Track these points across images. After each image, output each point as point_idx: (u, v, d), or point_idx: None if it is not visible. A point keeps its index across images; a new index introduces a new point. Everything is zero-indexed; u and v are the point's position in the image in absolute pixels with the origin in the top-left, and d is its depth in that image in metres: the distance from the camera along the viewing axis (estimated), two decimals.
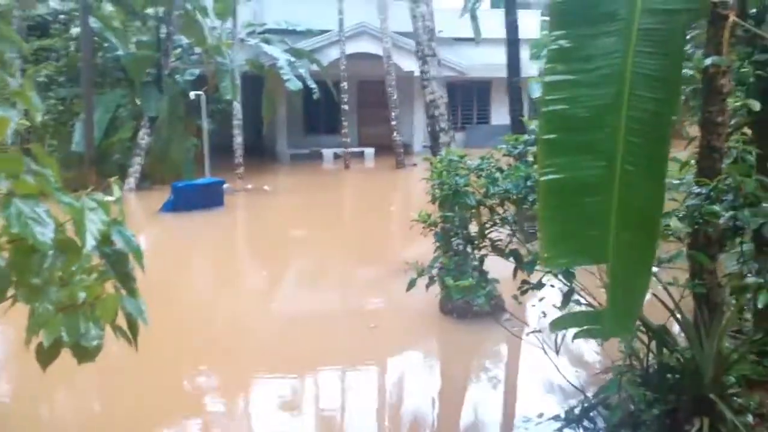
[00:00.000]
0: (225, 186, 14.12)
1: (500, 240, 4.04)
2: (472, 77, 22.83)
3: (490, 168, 4.10)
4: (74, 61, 16.33)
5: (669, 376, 3.68)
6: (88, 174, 13.86)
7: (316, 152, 21.58)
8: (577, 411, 4.09)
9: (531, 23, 21.41)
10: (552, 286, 3.73)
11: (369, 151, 21.96)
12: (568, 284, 3.59)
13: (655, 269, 3.13)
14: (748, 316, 4.41)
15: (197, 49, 18.45)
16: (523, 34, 12.92)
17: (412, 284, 3.99)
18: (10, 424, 4.59)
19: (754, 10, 4.02)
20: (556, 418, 4.22)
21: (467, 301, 5.72)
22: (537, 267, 3.62)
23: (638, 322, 3.41)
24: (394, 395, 5.17)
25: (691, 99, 4.60)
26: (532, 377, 5.17)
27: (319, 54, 20.11)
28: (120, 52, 17.14)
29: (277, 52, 18.60)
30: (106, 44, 17.25)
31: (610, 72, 2.04)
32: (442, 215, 4.16)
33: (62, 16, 17.39)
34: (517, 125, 11.42)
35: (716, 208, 3.43)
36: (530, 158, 4.19)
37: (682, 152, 4.77)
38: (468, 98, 24.64)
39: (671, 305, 3.70)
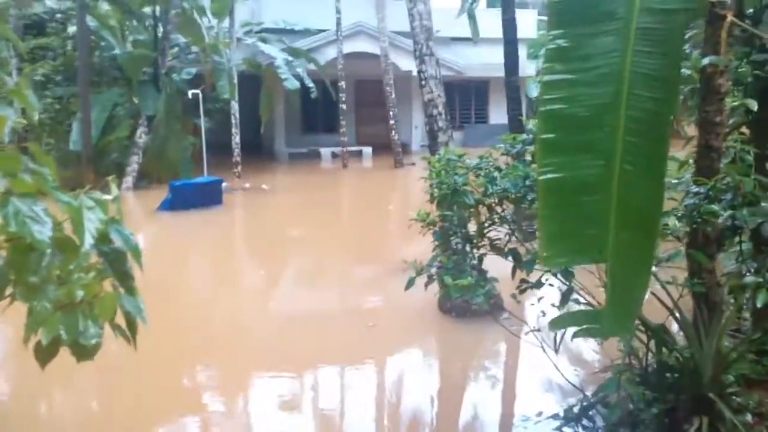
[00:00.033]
0: (223, 185, 14.11)
1: (499, 239, 4.04)
2: (470, 77, 22.85)
3: (488, 167, 4.10)
4: (71, 60, 16.31)
5: (668, 375, 3.68)
6: (86, 173, 13.85)
7: (314, 151, 21.58)
8: (576, 410, 4.09)
9: (528, 22, 21.44)
10: (551, 285, 3.73)
11: (367, 150, 21.97)
12: (567, 283, 3.60)
13: (653, 268, 3.13)
14: (747, 315, 4.42)
15: (194, 48, 18.46)
16: (520, 33, 12.94)
17: (410, 283, 3.99)
18: (9, 423, 4.58)
19: (752, 10, 4.02)
20: (555, 416, 4.22)
21: (466, 300, 5.73)
22: (536, 266, 3.62)
23: (637, 321, 3.41)
24: (392, 394, 5.17)
25: (689, 99, 4.60)
26: (531, 376, 5.17)
27: (316, 53, 20.10)
28: (117, 51, 17.14)
29: (274, 51, 18.60)
30: (103, 43, 17.25)
31: (608, 71, 2.04)
32: (441, 214, 4.16)
33: (59, 15, 17.38)
34: (515, 124, 11.42)
35: (715, 207, 3.43)
36: (528, 157, 4.20)
37: (680, 152, 4.78)
38: (466, 98, 24.65)
39: (670, 304, 3.71)
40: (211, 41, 17.69)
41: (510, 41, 12.64)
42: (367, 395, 5.11)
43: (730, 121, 4.26)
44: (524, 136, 4.31)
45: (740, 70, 4.08)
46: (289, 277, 9.19)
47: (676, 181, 4.09)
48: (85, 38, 14.94)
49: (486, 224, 4.05)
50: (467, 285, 3.83)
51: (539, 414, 4.32)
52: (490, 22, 19.12)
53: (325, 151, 21.41)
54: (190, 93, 15.69)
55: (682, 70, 3.57)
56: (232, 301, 7.62)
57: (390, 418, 4.80)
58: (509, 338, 5.40)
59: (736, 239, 4.02)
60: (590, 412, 4.06)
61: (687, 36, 3.93)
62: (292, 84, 18.06)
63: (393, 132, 19.65)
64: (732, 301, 3.98)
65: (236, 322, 6.68)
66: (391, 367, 5.71)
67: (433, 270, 4.06)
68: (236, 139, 17.00)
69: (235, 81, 16.86)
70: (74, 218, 1.76)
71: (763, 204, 3.60)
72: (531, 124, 4.27)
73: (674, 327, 4.26)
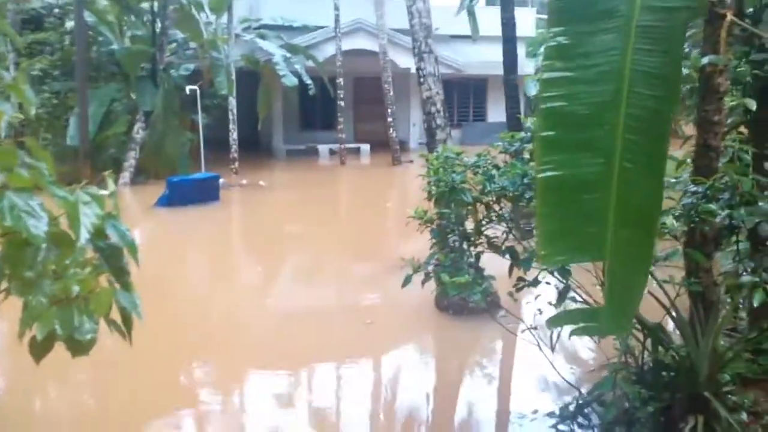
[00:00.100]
0: (220, 181, 14.09)
1: (496, 237, 4.04)
2: (468, 74, 22.84)
3: (486, 165, 4.09)
4: (69, 55, 16.26)
5: (664, 373, 3.69)
6: (83, 168, 13.81)
7: (312, 148, 21.55)
8: (571, 408, 4.10)
9: (527, 21, 21.44)
10: (548, 283, 3.73)
11: (365, 147, 21.95)
12: (564, 281, 3.60)
13: (651, 267, 3.13)
14: (743, 314, 4.43)
15: (192, 44, 18.40)
16: (519, 31, 12.92)
17: (408, 280, 3.99)
18: (4, 418, 4.56)
19: (751, 9, 4.02)
20: (550, 414, 4.23)
21: (463, 297, 5.73)
22: (533, 264, 3.62)
23: (634, 320, 3.41)
24: (389, 391, 5.17)
25: (687, 98, 4.61)
26: (528, 374, 5.18)
27: (314, 50, 20.06)
28: (115, 47, 17.08)
29: (272, 47, 18.56)
30: (100, 38, 17.19)
31: (608, 69, 2.03)
32: (439, 212, 4.16)
33: (57, 10, 17.32)
34: (514, 122, 11.41)
35: (712, 206, 3.43)
36: (527, 155, 4.19)
37: (678, 151, 4.78)
38: (464, 95, 24.64)
39: (667, 303, 3.71)
40: (210, 37, 17.63)
41: (509, 39, 12.63)
42: (364, 392, 5.11)
43: (729, 121, 4.27)
44: (522, 134, 4.31)
45: (739, 69, 4.08)
46: (287, 273, 9.18)
47: (674, 180, 4.09)
48: (82, 33, 14.89)
49: (483, 222, 4.05)
50: (464, 283, 3.83)
51: (535, 412, 4.32)
52: (489, 20, 19.11)
53: (323, 148, 21.38)
54: (187, 89, 15.65)
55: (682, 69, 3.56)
56: (229, 297, 7.61)
57: (387, 415, 4.80)
58: (506, 336, 5.40)
59: (734, 238, 4.02)
60: (586, 410, 4.07)
61: (686, 35, 3.93)
62: (291, 81, 18.03)
63: (391, 129, 19.64)
64: (728, 300, 3.98)
65: (233, 319, 6.67)
66: (388, 364, 5.71)
67: (431, 267, 4.06)
68: (234, 135, 16.97)
69: (233, 77, 16.83)
70: (70, 213, 1.75)
71: (760, 203, 3.61)
72: (529, 122, 4.27)
73: (671, 326, 4.26)
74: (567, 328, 2.77)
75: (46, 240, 1.67)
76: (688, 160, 4.18)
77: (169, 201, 12.62)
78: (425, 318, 6.44)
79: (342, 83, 19.54)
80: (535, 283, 3.69)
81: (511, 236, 4.09)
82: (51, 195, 1.76)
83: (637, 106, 1.95)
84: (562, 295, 3.63)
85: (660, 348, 3.73)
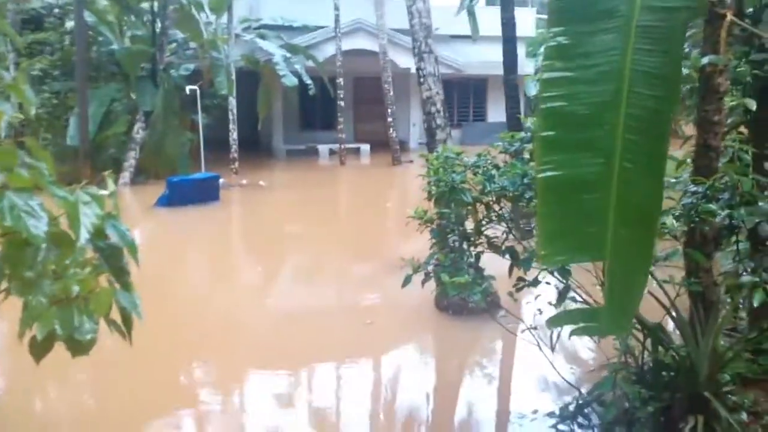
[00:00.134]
0: (220, 181, 14.09)
1: (496, 237, 4.04)
2: (468, 74, 22.84)
3: (486, 165, 4.09)
4: (69, 55, 16.26)
5: (664, 373, 3.69)
6: (83, 168, 13.80)
7: (312, 148, 21.55)
8: (571, 408, 4.10)
9: (527, 21, 21.44)
10: (548, 283, 3.73)
11: (365, 147, 21.95)
12: (564, 281, 3.60)
13: (651, 267, 3.13)
14: (743, 314, 4.43)
15: (192, 44, 18.40)
16: (519, 31, 12.92)
17: (407, 280, 3.99)
18: (3, 417, 4.56)
19: (751, 9, 4.02)
20: (550, 414, 4.23)
21: (463, 297, 5.73)
22: (533, 264, 3.62)
23: (634, 320, 3.41)
24: (389, 391, 5.17)
25: (687, 98, 4.61)
26: (527, 374, 5.18)
27: (314, 50, 20.06)
28: (115, 47, 17.08)
29: (272, 47, 18.56)
30: (100, 38, 17.19)
31: (608, 69, 2.03)
32: (438, 212, 4.16)
33: (57, 10, 17.32)
34: (514, 122, 11.40)
35: (712, 206, 3.43)
36: (527, 155, 4.19)
37: (678, 151, 4.78)
38: (464, 95, 24.64)
39: (667, 303, 3.71)
40: (210, 37, 17.63)
41: (509, 39, 12.62)
42: (363, 392, 5.11)
43: (729, 121, 4.27)
44: (522, 134, 4.31)
45: (739, 69, 4.08)
46: (287, 273, 9.18)
47: (674, 180, 4.09)
48: (82, 33, 14.89)
49: (483, 222, 4.05)
50: (464, 283, 3.83)
51: (535, 412, 4.32)
52: (489, 20, 19.11)
53: (323, 148, 21.38)
54: (187, 89, 15.65)
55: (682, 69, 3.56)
56: (228, 297, 7.61)
57: (386, 415, 4.80)
58: (506, 336, 5.40)
59: (734, 238, 4.02)
60: (586, 410, 4.07)
61: (686, 35, 3.93)
62: (291, 81, 18.03)
63: (391, 129, 19.64)
64: (728, 300, 3.98)
65: (233, 319, 6.67)
66: (388, 364, 5.71)
67: (431, 267, 4.06)
68: (234, 135, 16.97)
69: (233, 77, 16.83)
70: (70, 213, 1.75)
71: (760, 203, 3.61)
72: (529, 122, 4.27)
73: (671, 326, 4.26)
74: (567, 328, 2.77)
75: (46, 240, 1.67)
76: (688, 160, 4.18)
77: (169, 201, 12.63)
78: (425, 318, 6.44)
79: (342, 83, 19.54)
80: (535, 283, 3.69)
81: (511, 236, 4.09)
82: (51, 195, 1.76)
83: (637, 106, 1.95)
84: (562, 295, 3.63)
85: (660, 348, 3.73)
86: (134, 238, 1.95)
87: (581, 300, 3.82)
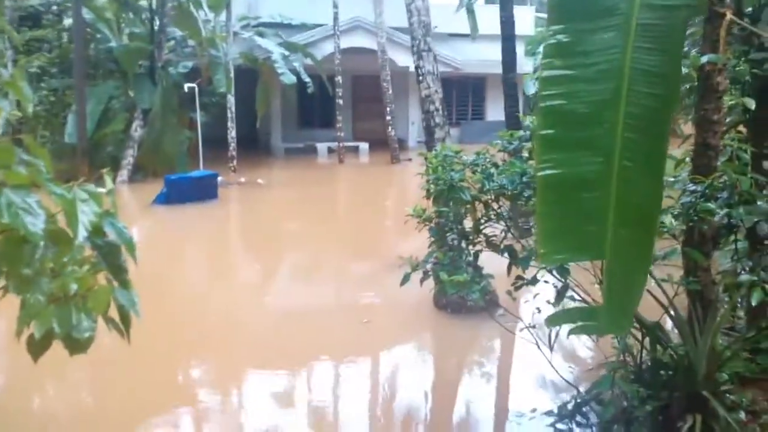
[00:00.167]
0: (219, 179, 14.07)
1: (495, 235, 4.04)
2: (467, 73, 22.81)
3: (485, 163, 4.09)
4: (67, 53, 16.22)
5: (662, 372, 3.69)
6: (81, 165, 13.77)
7: (311, 146, 21.53)
8: (569, 406, 4.10)
9: (526, 19, 21.42)
10: (546, 282, 3.73)
11: (363, 145, 21.94)
12: (563, 280, 3.59)
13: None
14: (741, 313, 4.43)
15: (191, 42, 18.37)
16: (518, 30, 12.90)
17: (406, 279, 3.99)
18: (2, 417, 4.55)
19: (750, 9, 4.02)
20: (548, 413, 4.23)
21: (462, 296, 5.73)
22: (531, 263, 3.62)
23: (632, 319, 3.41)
24: (387, 390, 5.17)
25: (686, 97, 4.61)
26: (526, 372, 5.18)
27: (313, 48, 20.04)
28: (113, 44, 17.05)
29: (271, 45, 18.53)
30: (99, 35, 17.16)
31: (608, 67, 2.03)
32: (437, 210, 4.16)
33: (55, 7, 17.27)
34: (512, 121, 11.39)
35: (711, 205, 3.43)
36: (525, 154, 4.19)
37: (677, 150, 4.78)
38: (463, 94, 24.63)
39: (665, 302, 3.71)
40: (208, 35, 17.62)
41: (508, 38, 12.60)
42: (362, 391, 5.11)
43: (728, 120, 4.27)
44: (521, 132, 4.31)
45: (738, 68, 4.08)
46: (285, 272, 9.17)
47: (672, 179, 4.09)
48: (80, 30, 14.85)
49: (482, 220, 4.05)
50: (463, 281, 3.83)
51: (533, 410, 4.32)
52: (488, 19, 19.09)
53: (322, 147, 21.36)
54: (186, 86, 15.62)
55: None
56: (227, 295, 7.60)
57: (385, 413, 4.79)
58: (504, 335, 5.40)
59: (732, 237, 4.03)
60: (584, 409, 4.07)
61: (686, 34, 3.93)
62: (289, 79, 18.01)
63: (390, 128, 19.62)
64: (727, 299, 3.99)
65: (231, 317, 6.66)
66: (386, 362, 5.71)
67: (429, 266, 4.05)
68: (232, 133, 16.94)
69: (232, 75, 16.80)
70: (68, 210, 1.74)
71: (759, 202, 3.61)
72: (528, 120, 4.27)
73: (669, 324, 4.27)
74: (565, 327, 2.77)
75: (43, 237, 1.66)
76: (687, 159, 4.18)
77: (167, 199, 12.61)
78: (423, 316, 6.44)
79: (340, 81, 19.53)
80: (534, 281, 3.69)
81: (509, 235, 4.09)
82: (48, 192, 1.76)
83: (636, 105, 1.95)
84: (560, 294, 3.63)
85: (658, 347, 3.73)
86: (132, 236, 1.94)
87: (579, 299, 3.82)
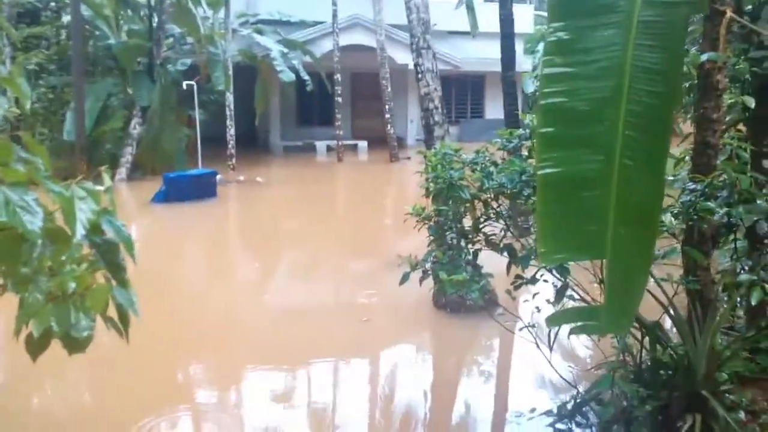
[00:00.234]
0: (217, 177, 14.06)
1: (494, 234, 4.03)
2: (466, 71, 22.81)
3: (484, 162, 4.08)
4: (65, 50, 16.18)
5: (662, 372, 3.68)
6: (79, 163, 13.75)
7: (310, 144, 21.52)
8: (569, 406, 4.10)
9: (525, 17, 21.39)
10: (546, 281, 3.72)
11: (362, 143, 21.93)
12: (563, 279, 3.59)
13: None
14: (741, 313, 4.43)
15: (189, 39, 18.34)
16: (517, 28, 12.87)
17: (405, 278, 3.97)
18: (2, 416, 4.54)
19: (750, 7, 4.01)
20: (548, 413, 4.22)
21: (461, 295, 5.72)
22: (531, 262, 3.61)
23: None
24: (386, 388, 5.16)
25: (685, 95, 4.60)
26: (525, 372, 5.17)
27: (312, 45, 20.02)
28: (111, 41, 17.02)
29: (270, 43, 18.52)
30: (97, 32, 17.12)
31: (609, 65, 2.01)
32: (436, 209, 4.14)
33: (53, 4, 17.21)
34: (511, 119, 11.38)
35: (711, 204, 3.43)
36: (525, 152, 4.18)
37: (677, 149, 4.78)
38: (462, 92, 24.63)
39: (665, 301, 3.71)
40: (207, 32, 17.59)
41: (507, 36, 12.58)
42: (360, 390, 5.10)
43: (727, 118, 4.26)
44: (520, 131, 4.30)
45: (738, 66, 4.08)
46: (284, 270, 9.16)
47: (672, 177, 4.09)
48: (79, 27, 14.81)
49: (481, 219, 4.04)
50: (462, 280, 3.82)
51: (532, 410, 4.32)
52: (487, 17, 19.08)
53: (321, 145, 21.35)
54: (184, 84, 15.60)
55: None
56: (225, 294, 7.59)
57: (383, 412, 4.79)
58: (503, 334, 5.39)
59: (732, 236, 4.03)
60: (584, 409, 4.07)
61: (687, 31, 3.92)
62: (288, 76, 18.00)
63: (389, 126, 19.61)
64: (726, 298, 3.98)
65: (230, 316, 6.65)
66: (385, 361, 5.70)
67: (428, 265, 4.04)
68: (231, 131, 16.93)
69: (231, 72, 16.78)
70: (66, 208, 1.73)
71: (758, 201, 3.61)
72: (527, 119, 4.26)
73: (668, 324, 4.26)
74: (565, 326, 2.76)
75: (41, 236, 1.65)
76: (687, 158, 4.18)
77: (165, 197, 12.59)
78: (422, 315, 6.43)
79: (339, 79, 19.51)
80: (533, 281, 3.68)
81: (509, 233, 4.08)
82: (46, 190, 1.75)
83: (637, 102, 1.93)
84: (560, 293, 3.62)
85: (658, 346, 3.73)
86: (131, 234, 1.94)
87: (579, 298, 3.82)
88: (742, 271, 3.93)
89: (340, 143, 19.70)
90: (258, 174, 16.47)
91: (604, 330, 2.51)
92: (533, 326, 4.18)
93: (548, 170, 2.08)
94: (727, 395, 3.55)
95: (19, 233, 1.62)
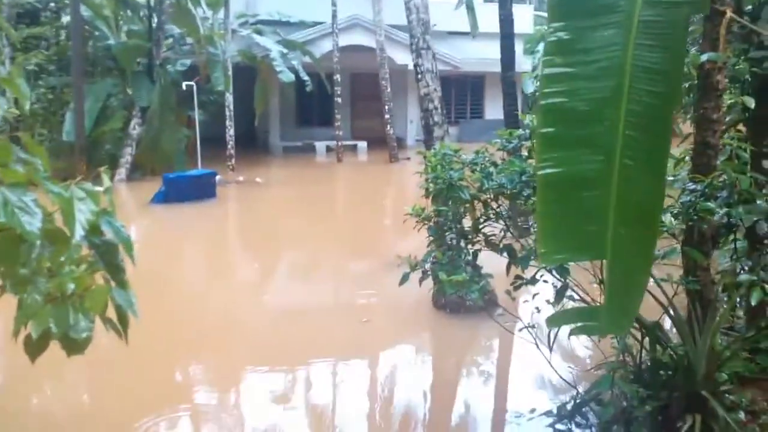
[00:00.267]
0: (217, 178, 14.05)
1: (494, 235, 4.03)
2: (466, 71, 22.81)
3: (484, 162, 4.08)
4: (65, 50, 16.17)
5: (662, 372, 3.68)
6: (78, 164, 13.74)
7: (309, 145, 21.52)
8: (569, 407, 4.10)
9: (525, 17, 21.40)
10: (545, 281, 3.72)
11: (362, 144, 21.93)
12: (562, 280, 3.58)
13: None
14: (741, 313, 4.43)
15: (189, 39, 18.34)
16: (517, 28, 12.88)
17: (405, 278, 3.97)
18: (1, 417, 4.54)
19: (750, 7, 4.01)
20: (548, 413, 4.22)
21: (460, 295, 5.72)
22: (531, 262, 3.60)
23: None
24: (386, 389, 5.16)
25: (685, 95, 4.60)
26: (525, 372, 5.17)
27: (311, 46, 20.02)
28: (111, 41, 17.01)
29: (269, 43, 18.51)
30: (97, 33, 17.11)
31: (609, 65, 2.01)
32: (436, 209, 4.14)
33: (52, 4, 17.21)
34: (511, 120, 11.38)
35: (711, 204, 3.43)
36: (525, 153, 4.18)
37: (677, 149, 4.77)
38: (462, 92, 24.62)
39: (665, 301, 3.70)
40: (206, 32, 17.58)
41: (506, 36, 12.59)
42: (360, 390, 5.09)
43: (727, 119, 4.26)
44: (520, 131, 4.29)
45: (738, 66, 4.08)
46: (283, 271, 9.16)
47: (672, 178, 4.08)
48: (78, 28, 14.80)
49: (481, 220, 4.03)
50: (462, 281, 3.81)
51: (532, 411, 4.31)
52: (487, 17, 19.08)
53: (320, 145, 21.34)
54: (184, 84, 15.59)
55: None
56: (225, 294, 7.59)
57: (383, 412, 4.78)
58: (503, 334, 5.39)
59: (732, 237, 4.02)
60: (583, 409, 4.06)
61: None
62: (287, 77, 17.99)
63: (388, 126, 19.60)
64: (726, 298, 3.98)
65: (230, 316, 6.65)
66: (385, 362, 5.70)
67: (428, 265, 4.03)
68: (230, 131, 16.91)
69: (230, 73, 16.77)
70: (65, 209, 1.72)
71: (758, 202, 3.61)
72: (527, 119, 4.26)
73: (668, 324, 4.26)
74: (565, 327, 2.76)
75: (40, 236, 1.65)
76: (687, 158, 4.17)
77: (165, 197, 12.58)
78: (422, 316, 6.43)
79: (339, 79, 19.51)
80: (533, 281, 3.68)
81: (508, 234, 4.07)
82: (46, 191, 1.74)
83: (637, 102, 1.93)
84: (560, 294, 3.62)
85: (658, 347, 3.72)
86: (130, 235, 1.93)
87: (579, 298, 3.81)
88: (742, 272, 3.93)
89: (339, 144, 19.69)
90: (257, 174, 16.47)
91: (604, 330, 2.51)
92: (533, 327, 4.17)
93: (548, 170, 2.07)
94: (727, 395, 3.55)
95: (17, 234, 1.62)
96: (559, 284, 3.63)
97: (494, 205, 4.03)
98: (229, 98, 16.89)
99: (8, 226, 1.61)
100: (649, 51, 1.93)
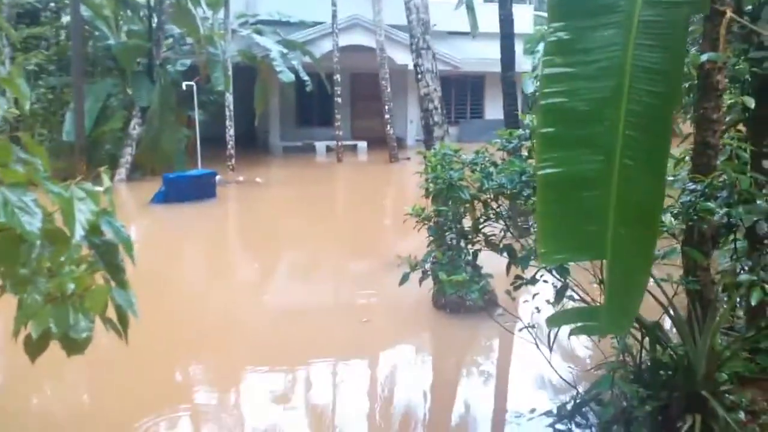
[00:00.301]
0: (217, 178, 14.05)
1: (494, 235, 4.03)
2: (466, 71, 22.81)
3: (484, 162, 4.08)
4: (65, 50, 16.17)
5: (662, 372, 3.68)
6: (78, 164, 13.74)
7: (309, 145, 21.52)
8: (569, 407, 4.10)
9: (525, 17, 21.40)
10: (545, 281, 3.72)
11: (362, 144, 21.93)
12: (562, 280, 3.58)
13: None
14: (741, 313, 4.43)
15: (189, 39, 18.34)
16: (517, 28, 12.88)
17: (405, 278, 3.97)
18: (1, 417, 4.54)
19: (750, 7, 4.01)
20: (548, 413, 4.22)
21: (460, 295, 5.72)
22: (531, 262, 3.60)
23: None
24: (386, 389, 5.16)
25: (685, 95, 4.60)
26: (525, 372, 5.17)
27: (311, 46, 20.02)
28: (111, 41, 17.01)
29: (269, 43, 18.52)
30: (97, 33, 17.12)
31: (609, 65, 2.01)
32: (436, 209, 4.14)
33: (52, 4, 17.21)
34: (511, 120, 11.37)
35: (711, 204, 3.43)
36: (525, 153, 4.18)
37: (677, 149, 4.78)
38: (462, 92, 24.62)
39: (665, 301, 3.70)
40: (206, 32, 17.58)
41: (506, 36, 12.59)
42: (360, 390, 5.09)
43: (727, 119, 4.26)
44: (520, 131, 4.29)
45: (738, 66, 4.08)
46: (283, 271, 9.15)
47: (672, 178, 4.08)
48: (78, 28, 14.80)
49: (481, 220, 4.03)
50: (462, 281, 3.81)
51: (532, 411, 4.31)
52: (487, 17, 19.08)
53: (320, 145, 21.34)
54: (184, 84, 15.59)
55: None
56: (225, 294, 7.59)
57: (383, 412, 4.78)
58: (503, 334, 5.39)
59: (732, 237, 4.02)
60: (583, 409, 4.06)
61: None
62: (287, 77, 17.99)
63: (388, 126, 19.60)
64: (726, 298, 3.98)
65: (230, 316, 6.65)
66: (385, 362, 5.70)
67: (428, 265, 4.04)
68: (230, 131, 16.91)
69: (230, 73, 16.77)
70: (65, 209, 1.72)
71: (758, 202, 3.61)
72: (527, 119, 4.26)
73: (668, 324, 4.26)
74: (565, 327, 2.76)
75: (40, 236, 1.65)
76: (687, 158, 4.17)
77: (165, 197, 12.58)
78: (422, 316, 6.43)
79: (339, 79, 19.50)
80: (533, 281, 3.68)
81: (508, 234, 4.07)
82: (46, 191, 1.74)
83: (637, 102, 1.93)
84: (560, 294, 3.62)
85: (658, 347, 3.72)
86: (130, 235, 1.93)
87: (579, 298, 3.81)
88: (742, 272, 3.93)
89: (339, 144, 19.70)
90: (257, 174, 16.47)
91: (604, 330, 2.51)
92: (533, 327, 4.17)
93: (548, 170, 2.07)
94: (726, 395, 3.55)
95: (17, 234, 1.62)
96: (559, 284, 3.63)
97: (494, 205, 4.03)
98: (229, 98, 16.90)
99: (8, 226, 1.61)
100: (649, 51, 1.93)
